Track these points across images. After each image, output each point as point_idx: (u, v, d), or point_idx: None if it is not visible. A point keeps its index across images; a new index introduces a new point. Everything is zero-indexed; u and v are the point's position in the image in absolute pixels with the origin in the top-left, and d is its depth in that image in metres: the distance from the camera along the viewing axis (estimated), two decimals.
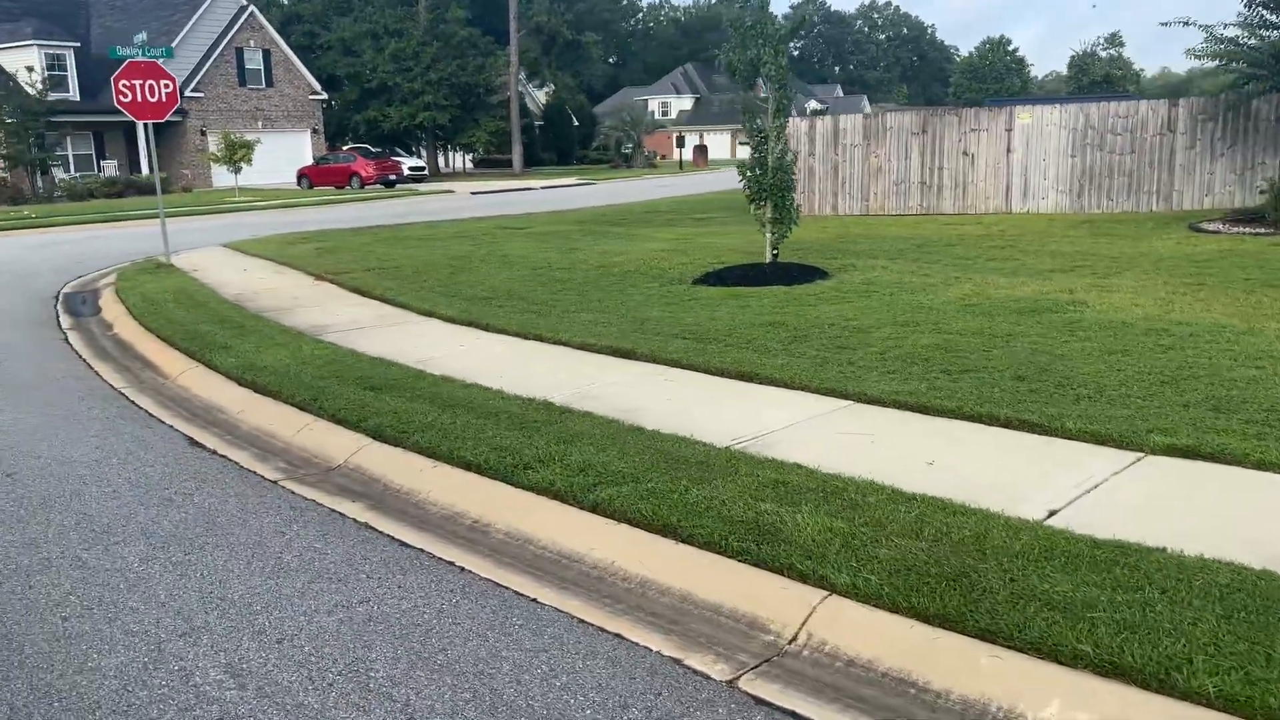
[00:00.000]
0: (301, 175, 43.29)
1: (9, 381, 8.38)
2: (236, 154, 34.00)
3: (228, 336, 9.24)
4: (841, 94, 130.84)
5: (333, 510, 5.29)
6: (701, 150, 62.96)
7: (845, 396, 6.46)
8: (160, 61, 14.11)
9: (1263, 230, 14.59)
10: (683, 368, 7.48)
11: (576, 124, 73.52)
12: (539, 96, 75.08)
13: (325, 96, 50.99)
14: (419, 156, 54.84)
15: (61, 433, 6.78)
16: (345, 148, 49.29)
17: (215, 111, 45.18)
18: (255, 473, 5.95)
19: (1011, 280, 10.87)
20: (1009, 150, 19.56)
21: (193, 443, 6.59)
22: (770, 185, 11.59)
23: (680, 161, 59.36)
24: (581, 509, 4.88)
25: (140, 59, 13.92)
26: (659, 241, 16.32)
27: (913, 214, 20.34)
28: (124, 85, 13.85)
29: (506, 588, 4.31)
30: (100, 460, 6.17)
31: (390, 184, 42.08)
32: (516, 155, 54.14)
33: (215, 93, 45.48)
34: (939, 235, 15.84)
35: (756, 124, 11.57)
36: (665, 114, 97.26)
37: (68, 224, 26.07)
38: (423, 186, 42.15)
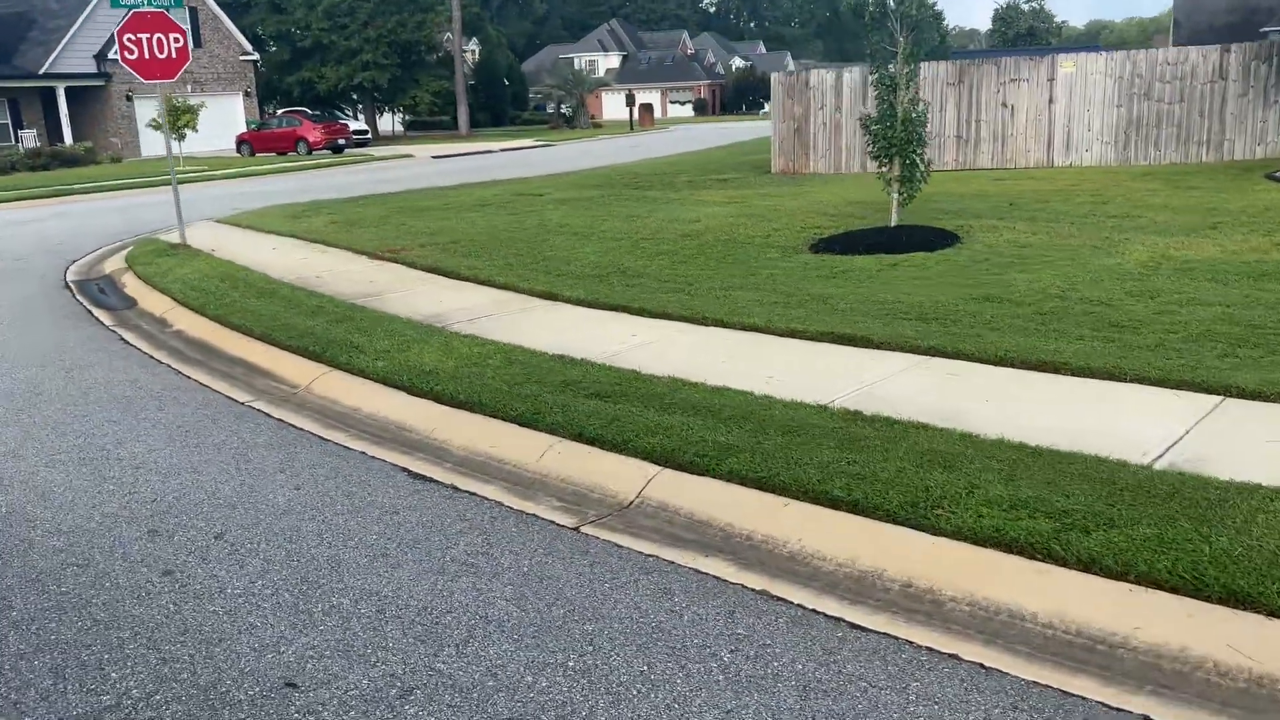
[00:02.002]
0: (241, 141, 40.64)
1: (106, 398, 6.84)
2: (180, 119, 31.47)
3: (343, 332, 7.80)
4: (764, 51, 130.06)
5: (697, 570, 4.04)
6: (647, 109, 61.28)
7: (1209, 391, 5.40)
8: (169, 12, 12.27)
9: None
10: (947, 357, 6.36)
11: (507, 84, 71.24)
12: (468, 57, 72.47)
13: (256, 57, 48.03)
14: (357, 120, 52.20)
15: (234, 470, 5.35)
16: (281, 111, 46.61)
17: None
18: (537, 516, 4.65)
19: (1173, 240, 9.96)
20: (1051, 101, 18.74)
21: (412, 475, 5.23)
22: (900, 139, 10.44)
23: (631, 122, 57.69)
24: (1054, 563, 3.74)
25: (147, 9, 12.08)
26: (714, 205, 15.08)
27: (949, 169, 19.41)
28: (129, 40, 12.02)
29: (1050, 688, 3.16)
30: (318, 507, 4.79)
31: (338, 149, 39.78)
32: (463, 116, 51.94)
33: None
34: (1010, 192, 14.90)
35: (888, 70, 10.38)
36: (593, 73, 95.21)
37: (6, 200, 23.60)
38: (375, 151, 39.92)
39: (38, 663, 3.46)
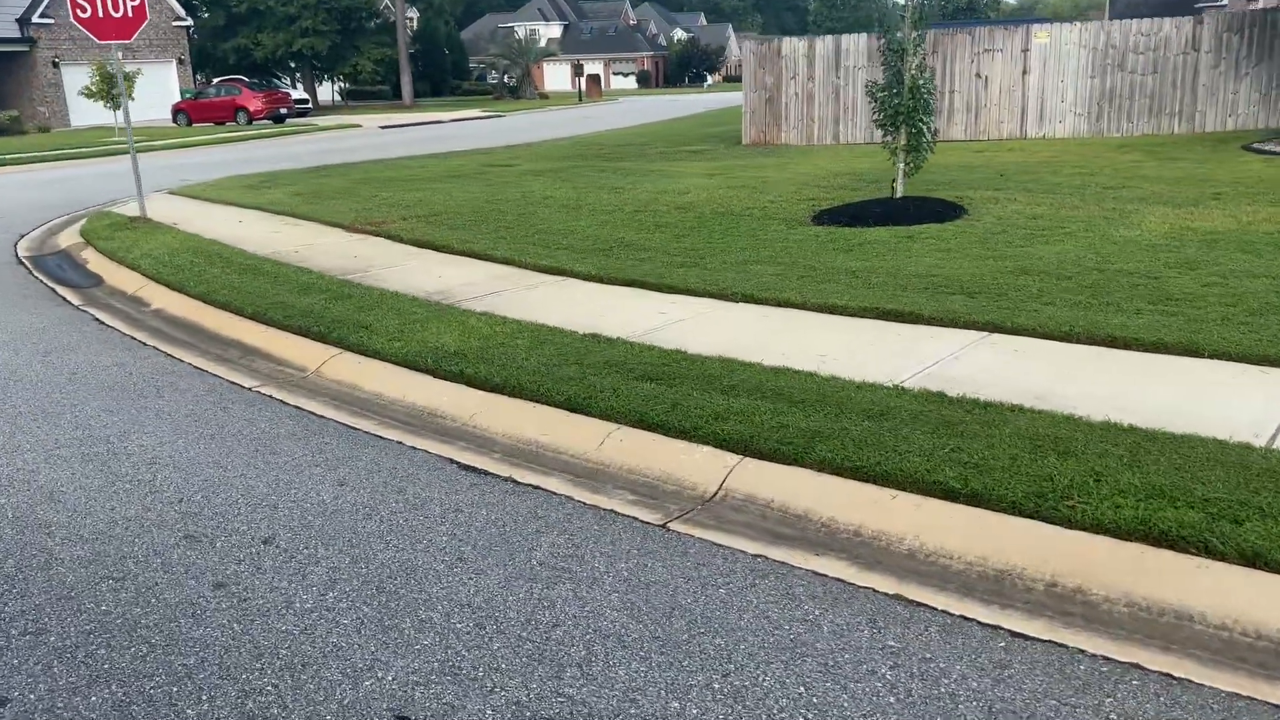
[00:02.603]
0: (178, 111, 39.11)
1: (96, 384, 6.25)
2: (116, 88, 29.98)
3: (346, 310, 7.28)
4: (705, 22, 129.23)
5: (814, 572, 3.67)
6: (594, 80, 60.38)
7: None
8: None
9: None
10: (1007, 333, 6.06)
11: (447, 53, 69.72)
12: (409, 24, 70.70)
13: (190, 23, 46.22)
14: (296, 89, 50.60)
15: (263, 464, 4.85)
16: (218, 80, 45.00)
17: (69, 40, 40.24)
18: (615, 512, 4.25)
19: (1182, 211, 9.81)
20: (1025, 72, 18.62)
21: (462, 467, 4.78)
22: (908, 108, 10.12)
23: (580, 93, 56.79)
24: (1211, 557, 3.45)
25: None
26: (698, 177, 14.68)
27: None
28: None
29: None
30: (370, 505, 4.33)
31: (280, 119, 38.51)
32: (406, 85, 50.64)
33: (68, 20, 40.36)
34: (994, 164, 14.72)
35: (896, 36, 10.03)
36: (536, 42, 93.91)
37: None
38: (319, 121, 38.67)
39: (95, 698, 2.98)
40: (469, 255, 9.44)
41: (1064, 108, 18.57)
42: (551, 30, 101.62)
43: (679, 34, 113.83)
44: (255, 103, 37.12)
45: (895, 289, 7.17)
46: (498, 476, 4.67)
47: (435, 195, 13.57)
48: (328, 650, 3.21)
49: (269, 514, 4.28)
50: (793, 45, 19.93)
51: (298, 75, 52.71)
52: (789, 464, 4.41)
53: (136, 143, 27.77)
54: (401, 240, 10.35)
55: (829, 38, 19.76)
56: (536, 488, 4.54)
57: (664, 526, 4.11)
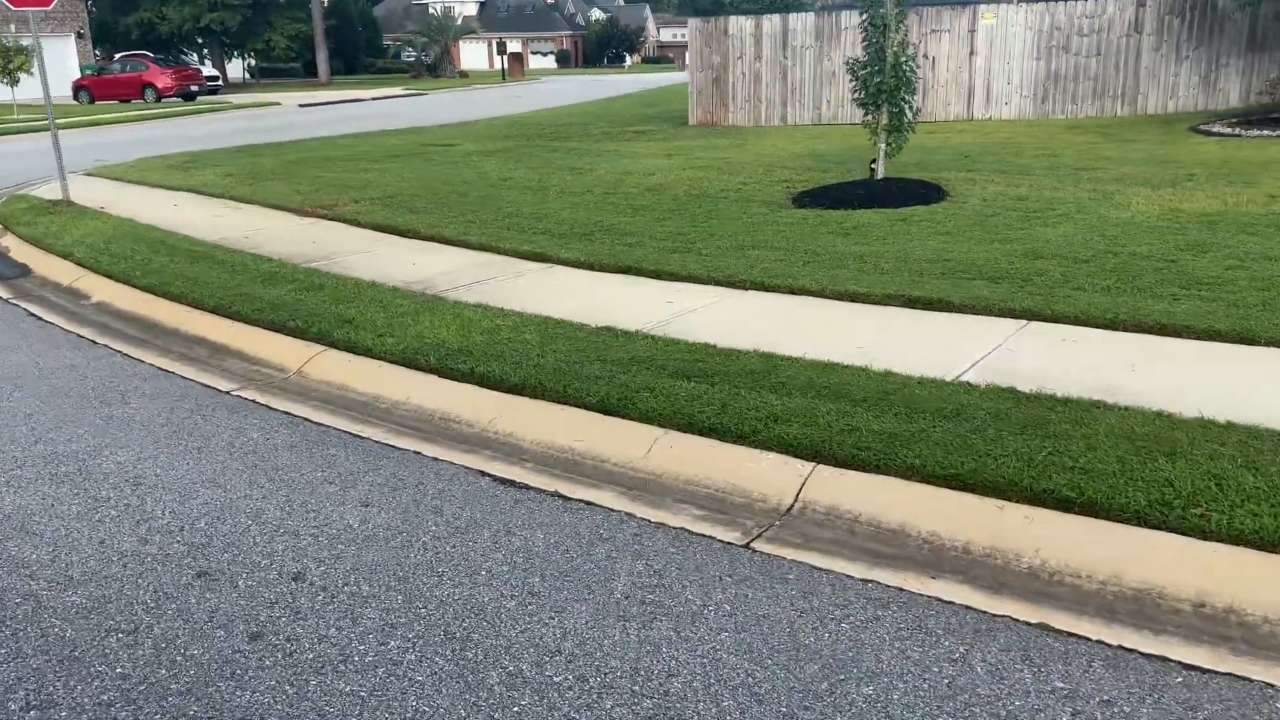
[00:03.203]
0: (80, 88, 37.05)
1: (48, 389, 5.54)
2: (14, 62, 28.20)
3: (320, 302, 6.66)
4: (622, 2, 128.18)
5: (939, 600, 3.28)
6: (517, 59, 59.21)
7: None
8: None
9: None
10: (1046, 320, 5.76)
11: (360, 29, 67.69)
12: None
13: None
14: (203, 65, 48.45)
15: (267, 482, 4.27)
16: (121, 55, 42.80)
17: None
18: (688, 531, 3.79)
19: (1163, 193, 9.68)
20: (972, 53, 18.55)
21: (498, 480, 4.27)
22: (890, 86, 9.81)
23: (503, 72, 55.61)
24: None
25: None
26: (657, 158, 14.21)
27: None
28: None
29: None
30: (408, 530, 3.79)
31: (190, 96, 36.76)
32: (322, 62, 48.95)
33: None
34: (951, 145, 14.54)
35: (880, 11, 9.69)
36: (453, 19, 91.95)
37: None
38: (234, 99, 37.01)
39: None
40: (440, 241, 8.84)
41: (1010, 90, 18.56)
42: (467, 8, 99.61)
43: (596, 14, 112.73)
44: (164, 79, 35.34)
45: (911, 274, 6.83)
46: (542, 491, 4.17)
47: (384, 177, 12.84)
48: (409, 717, 2.69)
49: (290, 543, 3.71)
50: (740, 24, 19.54)
51: (205, 52, 50.47)
52: (870, 471, 4.01)
53: (37, 121, 26.16)
54: (361, 225, 9.67)
55: (776, 17, 19.42)
56: (589, 503, 4.06)
57: (748, 547, 3.67)
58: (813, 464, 4.11)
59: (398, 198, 11.04)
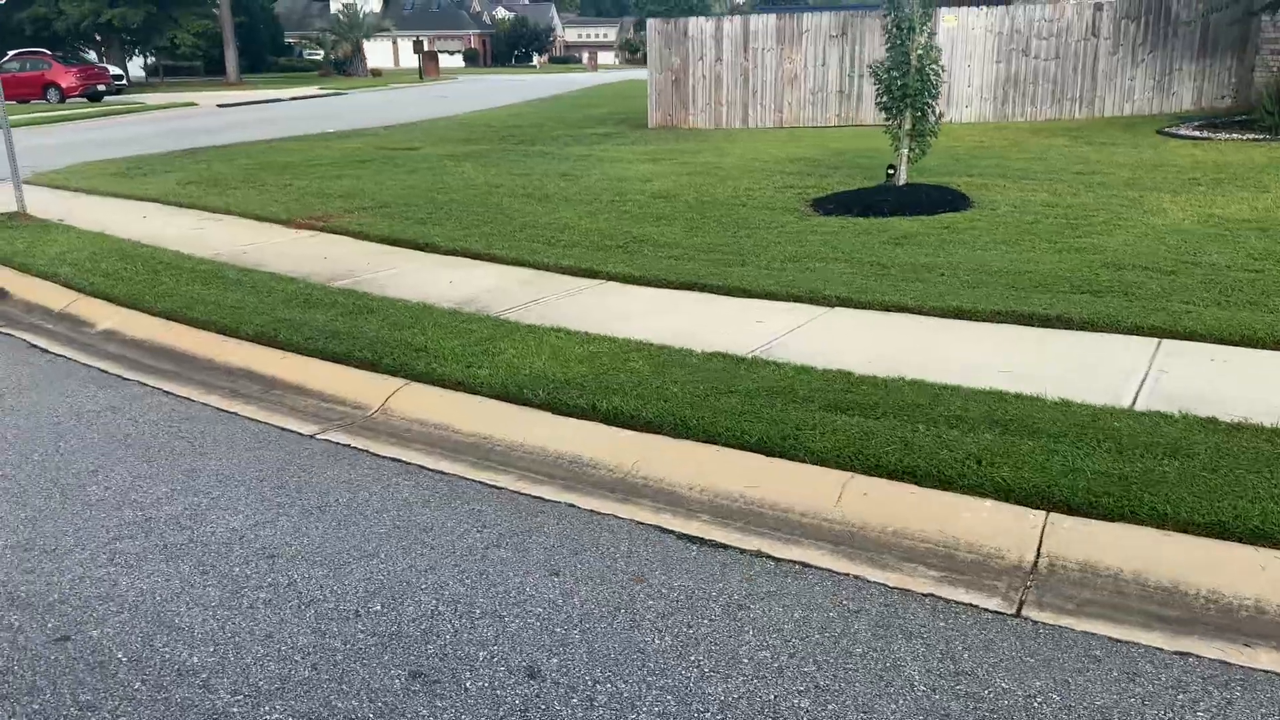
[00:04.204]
0: None
1: (99, 438, 4.83)
2: None
3: (378, 329, 6.06)
4: (528, 1, 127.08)
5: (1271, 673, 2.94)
6: (432, 58, 57.88)
7: None
8: None
9: (1259, 136, 14.44)
10: (1179, 338, 5.53)
11: (262, 27, 65.43)
12: None
13: None
14: (103, 64, 46.01)
15: (425, 551, 3.71)
16: (14, 53, 40.32)
17: None
18: (938, 597, 3.38)
19: (1186, 198, 9.66)
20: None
21: (687, 539, 3.79)
22: (915, 89, 9.57)
23: (420, 71, 54.24)
24: None
25: None
26: (641, 163, 13.76)
27: (831, 125, 18.94)
28: None
29: None
30: (624, 607, 3.30)
31: (97, 97, 34.85)
32: (231, 61, 46.97)
33: None
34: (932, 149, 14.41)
35: (904, 12, 9.43)
36: (364, 17, 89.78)
37: None
38: (146, 99, 35.16)
39: None
40: (466, 255, 8.24)
41: (970, 92, 18.64)
42: (370, 4, 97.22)
43: (501, 12, 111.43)
44: (68, 78, 33.37)
45: (1003, 288, 6.55)
46: (743, 551, 3.70)
47: (363, 184, 12.10)
48: None
49: (497, 628, 3.18)
50: (700, 25, 19.20)
51: (104, 49, 47.95)
52: (1112, 520, 3.65)
53: None
54: (368, 238, 8.99)
55: (737, 18, 19.15)
56: (804, 565, 3.61)
57: (1019, 615, 3.27)
58: (1043, 512, 3.74)
59: (390, 207, 10.36)
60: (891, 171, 10.40)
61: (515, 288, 7.23)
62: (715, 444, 4.44)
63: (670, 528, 3.89)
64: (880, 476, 4.07)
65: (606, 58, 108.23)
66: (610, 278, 7.38)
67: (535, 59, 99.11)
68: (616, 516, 4.00)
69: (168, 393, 5.55)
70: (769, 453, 4.31)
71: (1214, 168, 11.62)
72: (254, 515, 3.99)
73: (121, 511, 4.03)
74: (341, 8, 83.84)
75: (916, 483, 3.99)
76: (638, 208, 10.05)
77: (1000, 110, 18.60)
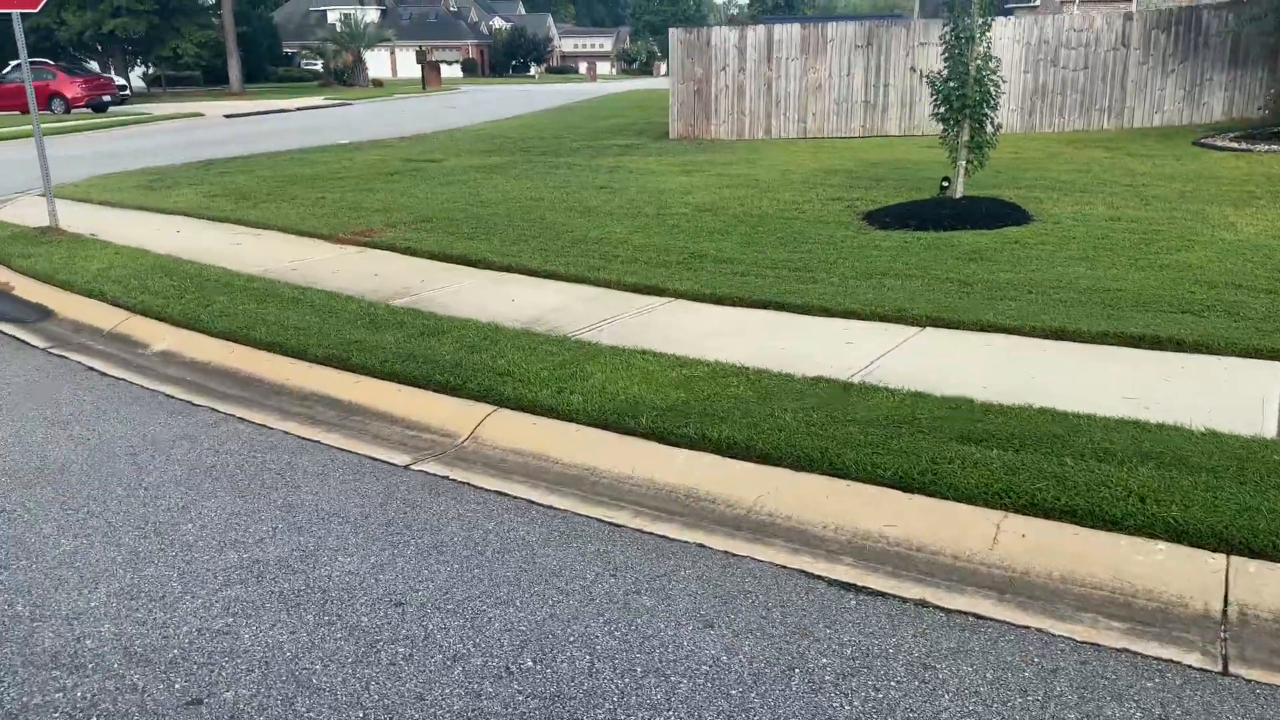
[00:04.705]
0: None
1: (182, 470, 4.56)
2: None
3: (454, 351, 5.80)
4: (524, 10, 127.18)
5: None
6: (434, 68, 57.66)
7: None
8: None
9: None
10: (1260, 356, 5.29)
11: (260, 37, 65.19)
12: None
13: None
14: (106, 74, 45.73)
15: (570, 595, 3.45)
16: (15, 63, 40.01)
17: None
18: (1175, 662, 3.13)
19: (1250, 212, 9.48)
20: None
21: (842, 587, 3.53)
22: (974, 100, 9.35)
23: (423, 81, 54.03)
24: None
25: None
26: (674, 175, 13.54)
27: (856, 136, 18.76)
28: None
29: None
30: (831, 676, 3.04)
31: (102, 107, 34.57)
32: (234, 71, 46.71)
33: None
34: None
35: (964, 22, 9.22)
36: (365, 27, 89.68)
37: None
38: (152, 109, 34.89)
39: None
40: (521, 272, 7.99)
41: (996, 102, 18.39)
42: (369, 15, 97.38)
43: (498, 22, 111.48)
44: (74, 89, 33.07)
45: (1098, 306, 6.32)
46: (903, 600, 3.45)
47: (397, 198, 11.85)
48: None
49: (662, 688, 2.92)
50: (723, 35, 19.02)
51: (109, 59, 47.68)
52: None
53: None
54: (416, 254, 8.74)
55: (761, 28, 18.96)
56: (975, 616, 3.36)
57: (1226, 673, 3.02)
58: (1222, 555, 3.50)
59: (432, 222, 10.10)
60: (946, 184, 10.18)
61: (581, 306, 6.98)
62: (843, 478, 4.19)
63: (816, 572, 3.64)
64: (1035, 515, 3.81)
65: (603, 68, 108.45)
66: (679, 295, 7.14)
67: (533, 69, 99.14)
68: (754, 559, 3.74)
69: (242, 419, 5.28)
70: (905, 488, 4.06)
71: (1266, 180, 11.44)
72: (368, 557, 3.73)
73: (225, 553, 3.76)
74: (340, 18, 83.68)
75: (1077, 523, 3.74)
76: (685, 221, 9.81)
77: (1027, 121, 18.43)
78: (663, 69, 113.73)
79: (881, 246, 8.42)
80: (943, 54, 9.57)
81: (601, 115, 28.35)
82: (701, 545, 3.85)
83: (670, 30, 19.49)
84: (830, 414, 4.68)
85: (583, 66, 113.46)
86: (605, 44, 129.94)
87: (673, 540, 3.90)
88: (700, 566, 3.67)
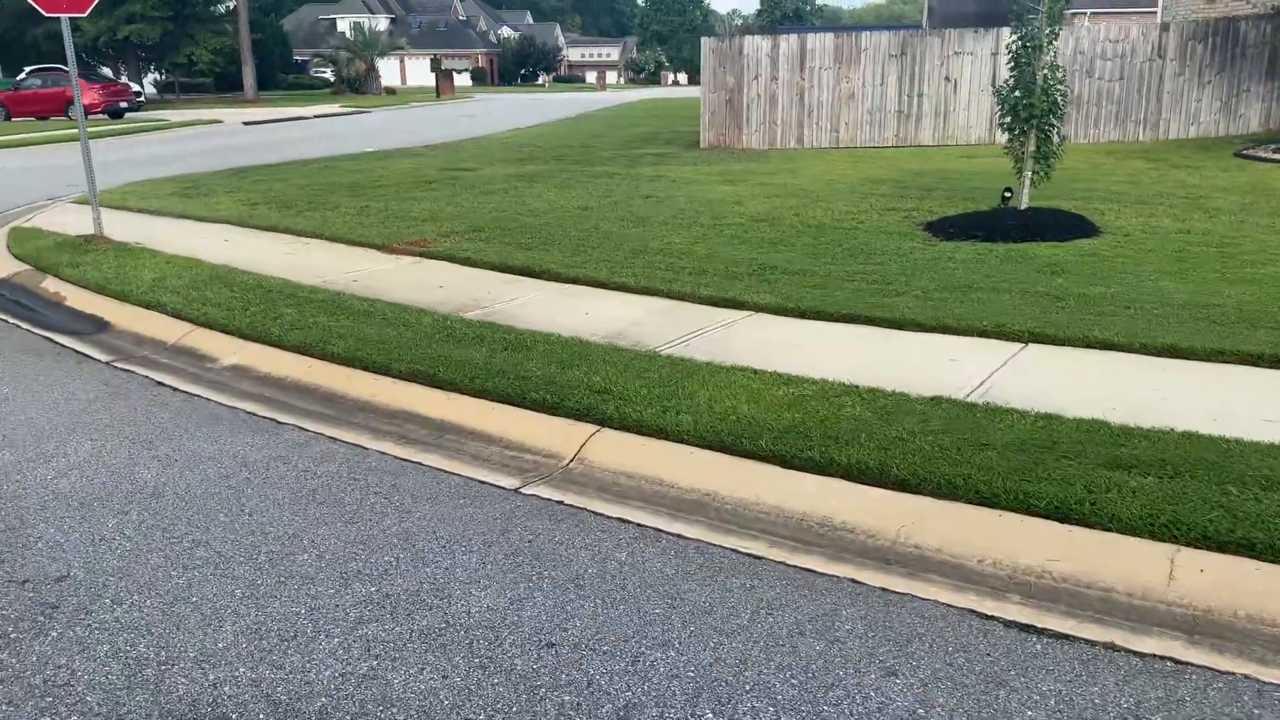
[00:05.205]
0: None
1: (283, 494, 4.33)
2: None
3: (545, 368, 5.58)
4: (532, 20, 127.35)
5: None
6: (447, 76, 57.58)
7: None
8: None
9: None
10: None
11: (272, 44, 65.19)
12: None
13: None
14: (121, 80, 45.61)
15: (737, 635, 3.23)
16: (31, 69, 39.95)
17: None
18: None
19: None
20: (995, 77, 18.16)
21: (1020, 629, 3.31)
22: (1042, 110, 9.15)
23: (437, 89, 53.92)
24: None
25: None
26: (717, 183, 13.35)
27: (889, 145, 18.57)
28: None
29: None
30: None
31: (119, 114, 34.44)
32: (249, 77, 46.63)
33: None
34: (1002, 171, 13.97)
35: (1031, 29, 9.02)
36: (378, 35, 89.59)
37: None
38: (169, 116, 34.76)
39: None
40: (588, 284, 7.78)
41: None
42: (378, 24, 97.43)
43: (506, 31, 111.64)
44: (91, 95, 32.88)
45: (1204, 323, 6.11)
46: (1091, 643, 3.22)
47: (441, 206, 11.65)
48: None
49: None
50: (755, 44, 18.84)
51: (122, 65, 47.58)
52: None
53: None
54: (476, 264, 8.53)
55: (794, 37, 18.79)
56: (1174, 660, 3.13)
57: None
58: None
59: (484, 231, 9.90)
60: (1008, 195, 9.97)
61: (658, 319, 6.76)
62: (992, 507, 3.96)
63: (986, 611, 3.41)
64: (1209, 549, 3.58)
65: (610, 77, 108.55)
66: (759, 309, 6.91)
67: (542, 78, 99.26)
68: (915, 596, 3.51)
69: (333, 438, 5.06)
70: (1062, 519, 3.83)
71: None
72: (504, 591, 3.50)
73: (350, 586, 3.54)
74: (350, 26, 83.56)
75: (1256, 557, 3.51)
76: (743, 231, 9.60)
77: (1062, 132, 18.16)
78: (671, 78, 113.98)
79: (955, 259, 8.20)
80: (1008, 63, 9.36)
81: (623, 124, 28.19)
82: (854, 580, 3.62)
83: (703, 39, 19.33)
84: (962, 437, 4.45)
85: (590, 76, 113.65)
86: (612, 53, 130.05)
87: (820, 574, 3.67)
88: (861, 605, 3.44)
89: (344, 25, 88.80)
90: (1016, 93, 9.25)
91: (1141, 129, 18.02)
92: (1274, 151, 15.16)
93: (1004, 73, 17.36)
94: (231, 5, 47.07)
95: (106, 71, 46.32)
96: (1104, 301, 6.66)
